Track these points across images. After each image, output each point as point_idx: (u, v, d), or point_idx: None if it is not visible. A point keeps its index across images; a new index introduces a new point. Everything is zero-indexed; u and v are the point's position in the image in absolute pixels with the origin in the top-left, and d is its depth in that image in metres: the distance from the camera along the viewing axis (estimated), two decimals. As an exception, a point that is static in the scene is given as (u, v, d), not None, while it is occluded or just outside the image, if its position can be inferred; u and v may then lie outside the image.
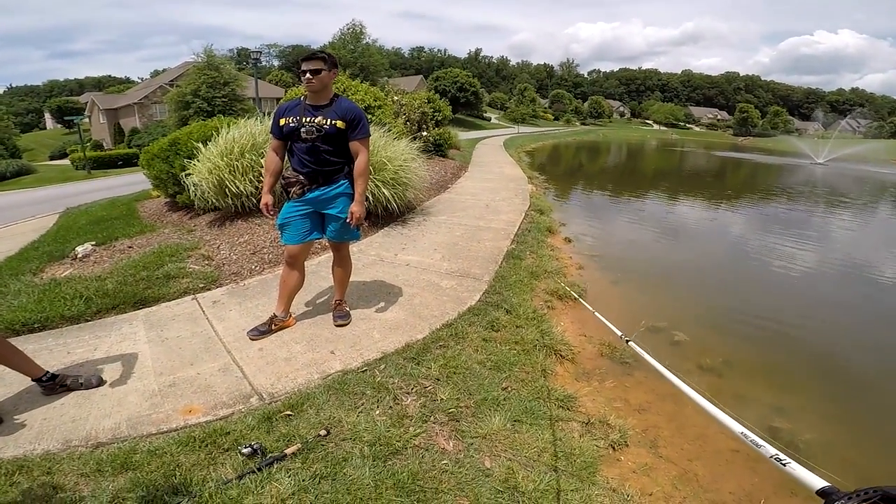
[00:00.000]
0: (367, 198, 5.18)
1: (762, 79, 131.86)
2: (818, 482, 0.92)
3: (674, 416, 2.80)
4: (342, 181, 2.90)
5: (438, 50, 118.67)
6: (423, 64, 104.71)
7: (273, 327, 3.05)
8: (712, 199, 12.45)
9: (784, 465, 1.06)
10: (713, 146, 45.09)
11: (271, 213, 2.96)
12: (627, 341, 2.07)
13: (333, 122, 2.73)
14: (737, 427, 1.26)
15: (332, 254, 3.27)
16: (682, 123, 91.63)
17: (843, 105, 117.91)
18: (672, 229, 8.62)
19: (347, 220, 2.87)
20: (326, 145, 2.77)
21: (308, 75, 2.67)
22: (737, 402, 3.05)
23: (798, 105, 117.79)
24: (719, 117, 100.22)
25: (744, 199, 12.84)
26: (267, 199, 2.94)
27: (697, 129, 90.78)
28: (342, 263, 3.20)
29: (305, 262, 3.16)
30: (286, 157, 2.97)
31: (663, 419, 2.77)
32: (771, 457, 1.11)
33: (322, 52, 2.78)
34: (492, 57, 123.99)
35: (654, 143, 45.22)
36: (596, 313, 2.93)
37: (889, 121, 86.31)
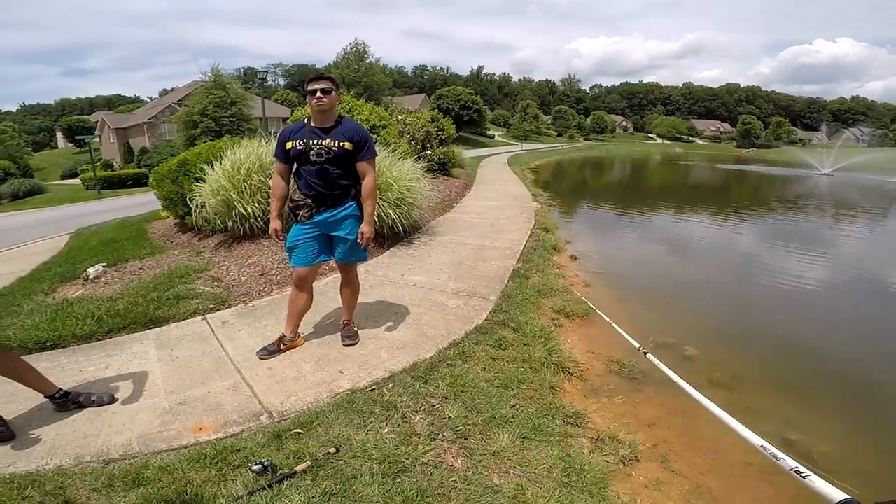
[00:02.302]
0: (374, 219, 5.29)
1: (763, 89, 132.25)
2: (838, 494, 0.93)
3: (685, 430, 2.80)
4: (349, 203, 2.92)
5: (441, 68, 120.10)
6: (426, 82, 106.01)
7: (282, 347, 3.08)
8: (718, 213, 12.44)
9: (804, 477, 1.08)
10: (717, 159, 45.17)
11: (281, 238, 2.99)
12: (645, 353, 2.08)
13: (341, 143, 2.76)
14: (756, 440, 1.27)
15: (339, 275, 3.31)
16: (686, 137, 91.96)
17: (844, 114, 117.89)
18: (678, 245, 8.62)
19: (357, 241, 2.90)
20: (335, 167, 2.80)
21: (319, 94, 2.70)
22: (749, 415, 3.01)
23: (800, 115, 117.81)
24: (722, 129, 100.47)
25: (750, 212, 12.81)
26: (276, 224, 2.97)
27: (701, 141, 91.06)
28: (350, 284, 3.23)
29: (314, 283, 3.20)
30: (292, 180, 2.99)
31: (674, 434, 2.76)
32: (791, 469, 1.13)
33: (329, 72, 2.84)
34: (494, 74, 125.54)
35: (658, 158, 45.38)
36: (614, 325, 2.93)
37: (892, 128, 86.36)
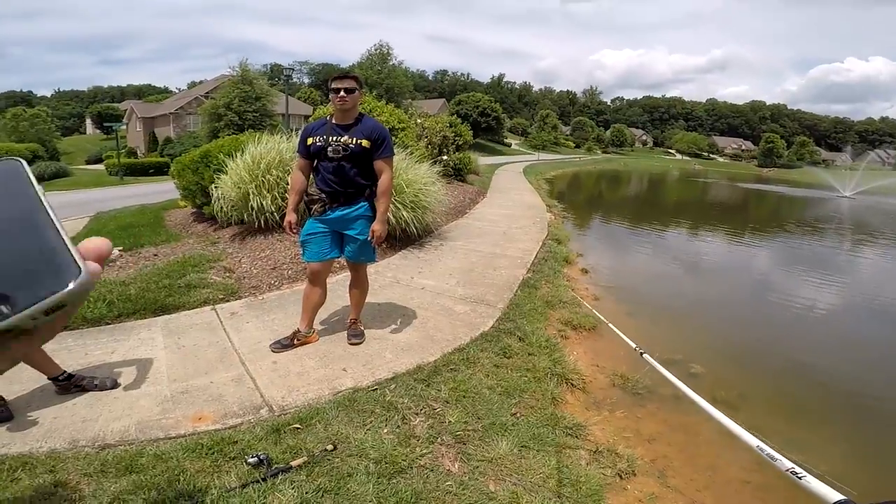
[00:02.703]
0: (387, 219, 5.32)
1: (788, 108, 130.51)
2: (834, 495, 0.92)
3: (685, 447, 2.78)
4: (362, 203, 2.94)
5: (462, 73, 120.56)
6: (447, 87, 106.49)
7: (296, 342, 3.10)
8: (734, 233, 12.28)
9: (800, 478, 1.06)
10: (736, 178, 44.58)
11: (294, 231, 3.03)
12: (642, 353, 2.06)
13: (359, 141, 2.79)
14: (752, 440, 1.25)
15: (349, 273, 3.33)
16: (706, 153, 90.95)
17: (871, 135, 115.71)
18: (691, 263, 8.53)
19: (368, 239, 2.92)
20: (352, 165, 2.83)
21: (343, 93, 2.74)
22: (752, 432, 2.99)
23: (825, 135, 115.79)
24: (743, 147, 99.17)
25: (766, 233, 12.63)
26: (291, 217, 3.01)
27: (721, 159, 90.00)
28: (359, 284, 3.25)
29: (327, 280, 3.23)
30: (311, 176, 3.04)
31: (674, 450, 2.74)
32: (787, 470, 1.11)
33: (353, 71, 2.90)
34: (515, 82, 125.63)
35: (676, 174, 44.90)
36: (611, 325, 2.89)
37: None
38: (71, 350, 2.99)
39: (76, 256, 0.35)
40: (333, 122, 2.87)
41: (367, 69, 39.01)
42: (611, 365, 3.65)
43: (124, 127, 39.97)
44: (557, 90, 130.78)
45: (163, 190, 12.46)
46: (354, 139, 2.79)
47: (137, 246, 5.39)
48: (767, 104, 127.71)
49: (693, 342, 4.57)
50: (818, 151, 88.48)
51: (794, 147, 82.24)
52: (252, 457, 1.94)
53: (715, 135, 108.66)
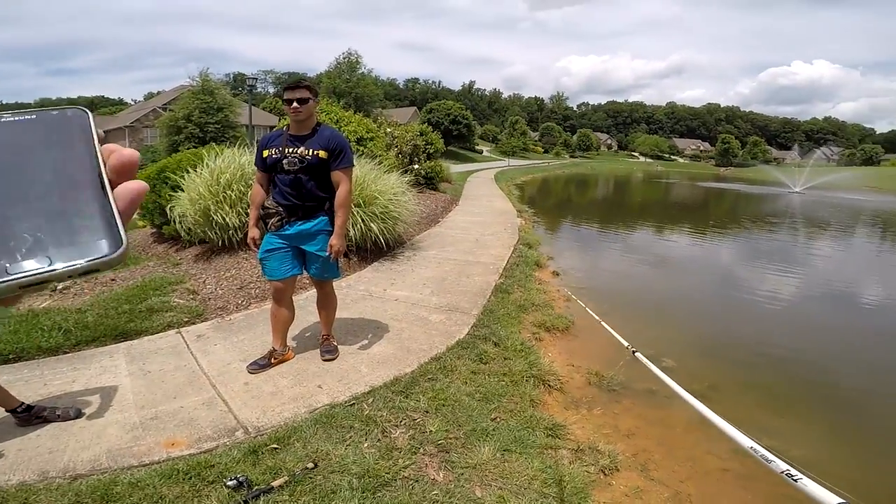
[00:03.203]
0: (356, 233, 5.27)
1: (742, 109, 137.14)
2: (832, 499, 0.91)
3: (663, 439, 2.84)
4: (322, 217, 2.85)
5: (433, 81, 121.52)
6: (418, 95, 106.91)
7: (273, 361, 3.03)
8: (696, 230, 12.72)
9: (795, 480, 1.05)
10: (696, 177, 46.22)
11: (258, 246, 2.93)
12: (634, 352, 2.09)
13: (316, 152, 2.69)
14: (746, 441, 1.26)
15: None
16: (667, 155, 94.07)
17: (817, 134, 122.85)
18: (658, 260, 8.75)
19: (327, 254, 2.83)
20: (309, 177, 2.74)
21: (295, 104, 2.65)
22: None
23: (776, 135, 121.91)
24: (702, 148, 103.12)
25: (727, 229, 13.15)
26: (254, 232, 2.92)
27: (681, 160, 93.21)
28: (326, 300, 3.19)
29: (294, 297, 3.16)
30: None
31: (653, 443, 2.79)
32: (782, 472, 1.10)
33: (307, 80, 2.84)
34: (485, 89, 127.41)
35: (641, 176, 46.24)
36: (604, 324, 2.94)
37: (860, 148, 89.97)
38: (28, 381, 2.84)
39: (120, 226, 0.36)
40: (290, 133, 2.78)
41: (335, 78, 38.52)
42: (586, 364, 3.70)
43: (76, 143, 38.15)
44: (526, 97, 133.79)
45: (122, 211, 12.03)
46: (311, 150, 2.70)
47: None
48: (722, 106, 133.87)
49: (663, 337, 4.68)
50: (770, 150, 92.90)
51: (748, 147, 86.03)
52: (231, 479, 1.89)
53: (675, 137, 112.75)
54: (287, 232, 2.82)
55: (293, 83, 2.71)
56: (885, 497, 2.57)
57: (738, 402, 3.51)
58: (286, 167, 2.71)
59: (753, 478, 2.43)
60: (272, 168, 2.79)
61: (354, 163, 3.00)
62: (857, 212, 18.39)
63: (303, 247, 2.88)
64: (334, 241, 2.80)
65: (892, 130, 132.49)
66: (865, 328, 5.42)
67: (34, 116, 0.40)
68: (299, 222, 2.82)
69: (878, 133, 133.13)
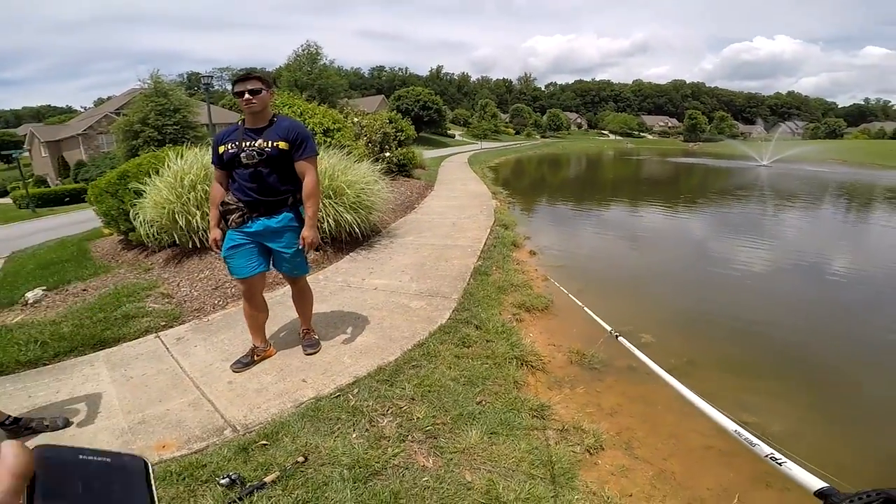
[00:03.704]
0: (329, 224, 5.22)
1: (707, 85, 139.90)
2: (816, 482, 0.89)
3: (646, 417, 2.89)
4: (285, 213, 2.76)
5: (399, 68, 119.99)
6: (385, 83, 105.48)
7: (255, 358, 3.01)
8: (669, 205, 12.97)
9: (780, 464, 1.04)
10: (666, 153, 47.01)
11: (221, 247, 2.82)
12: (617, 336, 2.10)
13: (275, 143, 2.60)
14: (730, 425, 1.22)
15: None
16: (636, 132, 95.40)
17: (781, 108, 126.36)
18: (633, 236, 8.93)
19: (300, 247, 2.76)
20: (270, 170, 2.64)
21: (247, 95, 2.54)
22: (705, 399, 3.14)
23: (741, 110, 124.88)
24: (670, 125, 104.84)
25: (699, 202, 13.48)
26: (215, 233, 2.82)
27: (651, 137, 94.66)
28: (301, 295, 3.16)
29: (270, 293, 3.13)
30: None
31: (636, 421, 2.85)
32: (766, 456, 1.09)
33: (257, 71, 2.71)
34: (453, 73, 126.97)
35: (611, 153, 46.78)
36: (586, 308, 2.87)
37: (823, 122, 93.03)
38: (11, 395, 2.81)
39: None
40: (246, 126, 2.67)
41: (295, 71, 37.59)
42: (566, 343, 3.78)
43: (26, 153, 36.62)
44: (494, 79, 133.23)
45: (83, 219, 11.62)
46: (270, 142, 2.60)
47: (63, 283, 5.03)
48: (688, 83, 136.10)
49: (640, 313, 4.79)
50: (736, 125, 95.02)
51: (715, 122, 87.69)
52: (224, 478, 1.90)
53: (643, 114, 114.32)
54: (250, 229, 2.74)
55: (243, 75, 2.61)
56: (865, 470, 2.64)
57: (717, 377, 3.60)
58: (244, 161, 2.60)
59: (736, 454, 2.48)
60: (230, 164, 2.68)
61: (318, 151, 2.91)
62: (824, 184, 19.01)
63: (269, 244, 2.81)
64: (306, 232, 2.73)
65: (854, 104, 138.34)
66: (838, 299, 5.54)
67: (109, 460, 0.46)
68: (262, 218, 2.73)
69: (839, 107, 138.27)
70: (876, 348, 4.22)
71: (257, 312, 2.98)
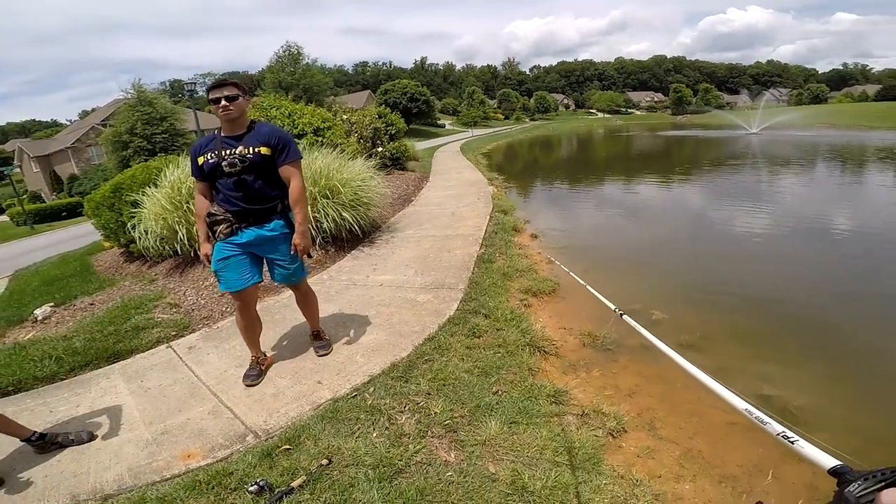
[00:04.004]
0: (330, 224, 5.19)
1: (688, 59, 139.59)
2: (830, 461, 0.86)
3: (665, 396, 2.84)
4: (277, 221, 2.68)
5: (384, 63, 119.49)
6: (370, 78, 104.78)
7: (263, 368, 2.98)
8: (666, 178, 12.95)
9: (792, 442, 1.02)
10: (656, 127, 46.93)
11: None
12: (621, 314, 2.07)
13: (256, 149, 2.52)
14: (740, 403, 1.20)
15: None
16: (624, 109, 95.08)
17: (763, 77, 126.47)
18: (632, 212, 8.90)
19: (292, 253, 2.69)
20: (255, 176, 2.56)
21: (224, 102, 2.46)
22: (722, 374, 3.08)
23: (724, 81, 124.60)
24: (656, 99, 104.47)
25: (695, 173, 13.43)
26: (206, 248, 2.70)
27: (638, 112, 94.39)
28: (305, 299, 3.11)
29: (276, 296, 3.10)
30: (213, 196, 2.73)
31: (655, 400, 2.81)
32: (778, 434, 1.07)
33: (232, 79, 2.64)
34: (438, 64, 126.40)
35: (601, 131, 46.64)
36: (589, 287, 2.82)
37: (806, 88, 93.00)
38: (33, 410, 2.84)
39: None
40: (223, 135, 2.58)
41: (278, 72, 37.22)
42: (577, 325, 3.76)
43: (17, 170, 36.26)
44: (479, 66, 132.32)
45: (82, 233, 11.57)
46: (251, 148, 2.51)
47: (70, 298, 5.03)
48: (669, 57, 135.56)
49: (649, 288, 4.76)
50: (721, 96, 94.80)
51: (700, 94, 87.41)
52: (252, 485, 1.92)
53: (628, 91, 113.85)
54: (240, 240, 2.64)
55: (218, 82, 2.52)
56: (879, 443, 2.55)
57: (732, 350, 3.54)
58: (227, 170, 2.51)
59: (761, 430, 2.41)
60: (212, 175, 2.59)
61: (303, 155, 2.83)
62: (813, 147, 19.03)
63: (262, 254, 2.74)
64: (297, 239, 2.65)
65: (833, 70, 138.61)
66: (847, 260, 5.48)
67: None
68: (252, 228, 2.64)
69: (820, 73, 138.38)
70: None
71: (253, 325, 2.91)
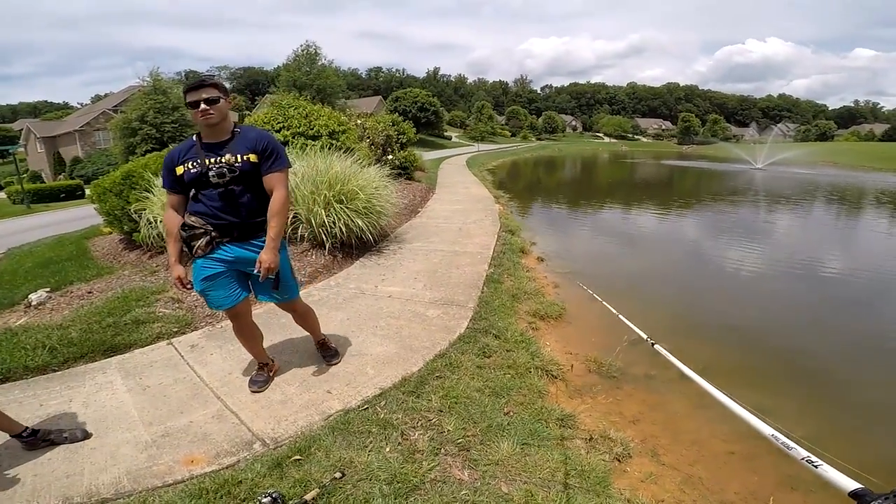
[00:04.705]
0: (341, 229, 5.16)
1: (700, 88, 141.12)
2: (851, 484, 0.93)
3: (667, 424, 2.94)
4: (265, 237, 2.38)
5: (397, 70, 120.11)
6: (382, 84, 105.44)
7: (271, 374, 2.92)
8: (669, 209, 13.05)
9: (816, 466, 1.08)
10: (661, 156, 47.36)
11: (189, 286, 2.45)
12: (653, 344, 2.13)
13: (245, 156, 2.30)
14: (767, 429, 1.26)
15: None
16: (631, 135, 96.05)
17: (772, 111, 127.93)
18: (636, 240, 8.98)
19: (255, 271, 2.34)
20: (244, 187, 2.34)
21: (203, 105, 2.21)
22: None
23: (733, 112, 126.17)
24: (664, 127, 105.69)
25: (697, 206, 13.55)
26: (178, 270, 2.42)
27: (645, 139, 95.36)
28: (302, 315, 2.94)
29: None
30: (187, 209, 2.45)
31: (658, 428, 2.90)
32: (802, 459, 1.13)
33: (212, 77, 2.43)
34: (450, 75, 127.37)
35: (607, 156, 47.04)
36: (620, 316, 2.89)
37: (814, 124, 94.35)
38: (22, 403, 2.72)
39: None
40: (203, 141, 2.34)
41: (294, 71, 37.45)
42: (582, 350, 3.79)
43: (22, 149, 36.30)
44: (491, 81, 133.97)
45: (80, 216, 11.48)
46: (238, 155, 2.29)
47: (66, 284, 4.91)
48: (681, 85, 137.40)
49: (651, 318, 4.73)
50: (729, 128, 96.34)
51: (708, 125, 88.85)
52: (265, 496, 1.83)
53: (637, 116, 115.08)
54: (226, 256, 2.42)
55: (195, 83, 2.27)
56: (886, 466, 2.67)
57: (733, 381, 3.52)
58: (214, 180, 2.26)
59: (759, 458, 2.55)
60: (192, 185, 2.35)
61: (291, 164, 2.59)
62: (816, 187, 19.22)
63: (248, 270, 2.48)
64: (264, 255, 2.32)
65: (844, 106, 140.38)
66: (842, 299, 5.66)
67: None
68: (236, 244, 2.41)
69: (830, 109, 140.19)
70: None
71: (253, 335, 2.79)
